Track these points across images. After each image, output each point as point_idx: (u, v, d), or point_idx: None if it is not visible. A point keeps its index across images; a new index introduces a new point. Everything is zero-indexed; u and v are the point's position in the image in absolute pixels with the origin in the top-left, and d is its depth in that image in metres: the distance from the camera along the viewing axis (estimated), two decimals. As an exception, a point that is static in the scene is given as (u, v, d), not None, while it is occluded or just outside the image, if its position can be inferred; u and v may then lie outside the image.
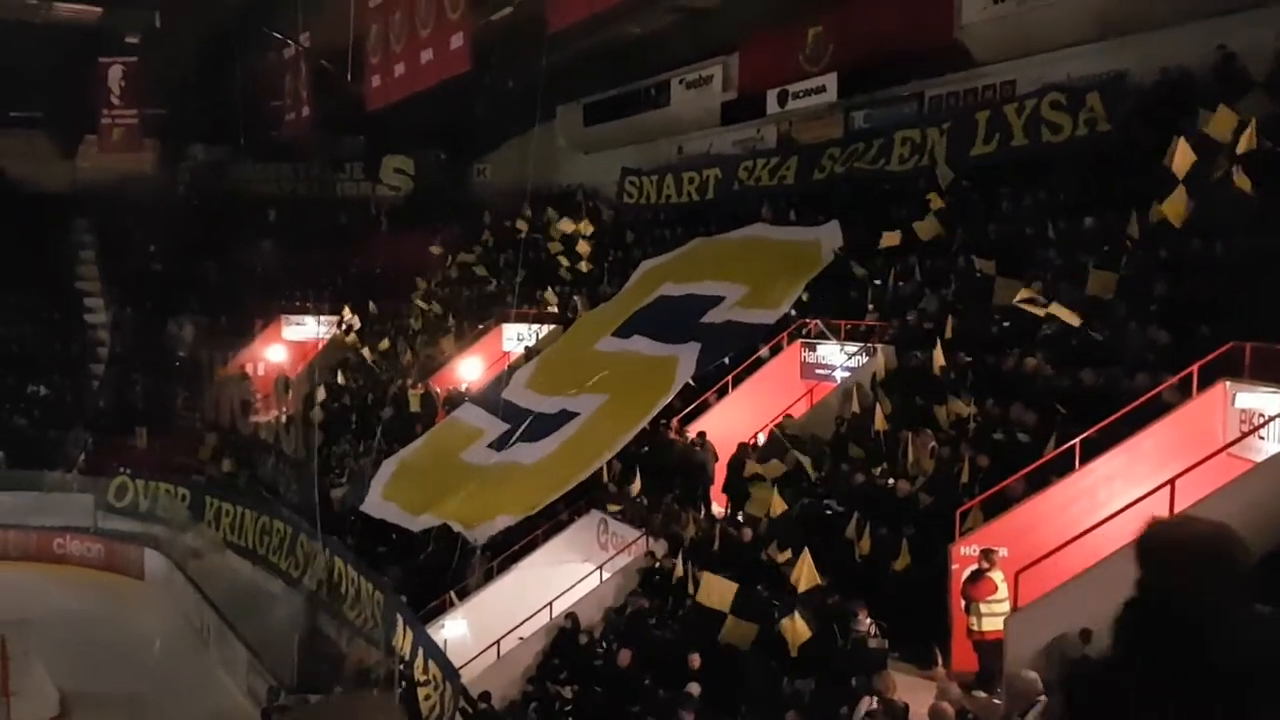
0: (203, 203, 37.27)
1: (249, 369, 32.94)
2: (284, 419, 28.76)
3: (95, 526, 26.59)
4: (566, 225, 28.86)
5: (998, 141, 18.84)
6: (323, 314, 33.64)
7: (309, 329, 33.84)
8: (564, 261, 27.69)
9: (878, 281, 18.49)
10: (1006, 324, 14.89)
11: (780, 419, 17.16)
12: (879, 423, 14.84)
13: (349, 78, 26.62)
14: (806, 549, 12.32)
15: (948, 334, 15.43)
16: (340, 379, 29.35)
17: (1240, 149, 13.22)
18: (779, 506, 14.02)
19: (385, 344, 29.72)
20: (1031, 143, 18.29)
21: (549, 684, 14.45)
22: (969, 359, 14.79)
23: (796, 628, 11.46)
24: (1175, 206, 13.38)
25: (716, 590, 12.68)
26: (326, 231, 35.86)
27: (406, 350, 28.40)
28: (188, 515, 25.56)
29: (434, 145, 36.26)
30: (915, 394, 15.01)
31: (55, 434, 29.65)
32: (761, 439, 17.00)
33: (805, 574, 12.07)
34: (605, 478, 17.38)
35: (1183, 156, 13.60)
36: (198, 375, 32.99)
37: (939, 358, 14.73)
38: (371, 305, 31.96)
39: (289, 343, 33.72)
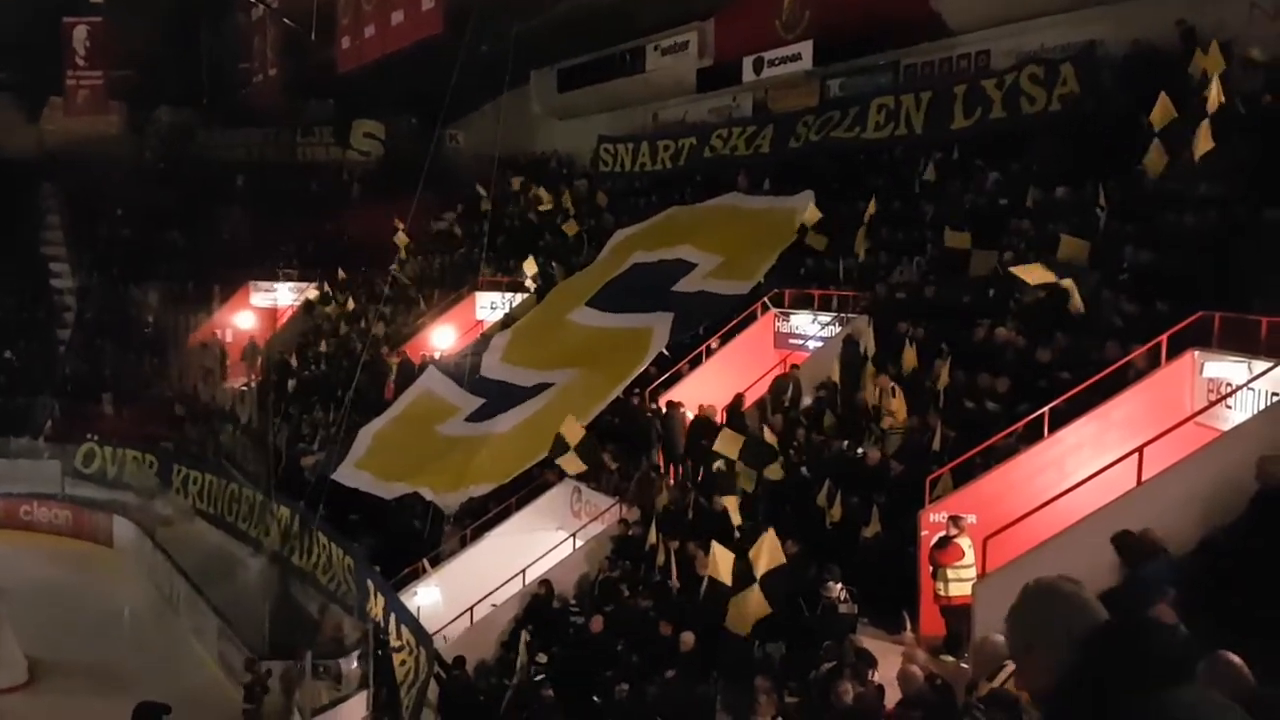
0: (170, 167, 36.72)
1: (218, 335, 32.65)
2: (252, 387, 28.56)
3: (63, 493, 26.33)
4: (543, 196, 28.62)
5: (978, 116, 18.82)
6: (292, 280, 33.39)
7: (279, 296, 33.58)
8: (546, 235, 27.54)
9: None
10: (966, 298, 14.96)
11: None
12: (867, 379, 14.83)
13: (316, 39, 26.26)
14: (770, 529, 12.18)
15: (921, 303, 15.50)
16: (311, 346, 29.15)
17: (1210, 107, 13.30)
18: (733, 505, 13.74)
19: (352, 306, 29.54)
20: (1010, 115, 18.30)
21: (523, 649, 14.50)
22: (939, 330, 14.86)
23: (751, 602, 11.37)
24: (1152, 159, 13.46)
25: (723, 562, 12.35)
26: (296, 197, 35.47)
27: (379, 318, 28.24)
28: (156, 482, 25.37)
29: (406, 110, 35.82)
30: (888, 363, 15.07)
31: (22, 400, 29.29)
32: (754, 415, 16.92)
33: (767, 551, 11.86)
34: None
35: (1162, 111, 13.70)
36: (166, 342, 32.65)
37: (910, 358, 14.64)
38: (342, 272, 31.68)
39: (258, 309, 33.43)
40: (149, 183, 35.35)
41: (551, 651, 14.11)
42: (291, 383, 27.18)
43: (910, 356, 14.39)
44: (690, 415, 16.68)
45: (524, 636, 14.34)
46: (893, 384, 13.86)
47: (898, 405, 13.80)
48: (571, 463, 15.12)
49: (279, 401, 25.52)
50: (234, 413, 27.72)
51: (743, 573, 11.53)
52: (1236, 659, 4.52)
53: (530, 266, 24.42)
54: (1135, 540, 8.86)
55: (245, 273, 33.35)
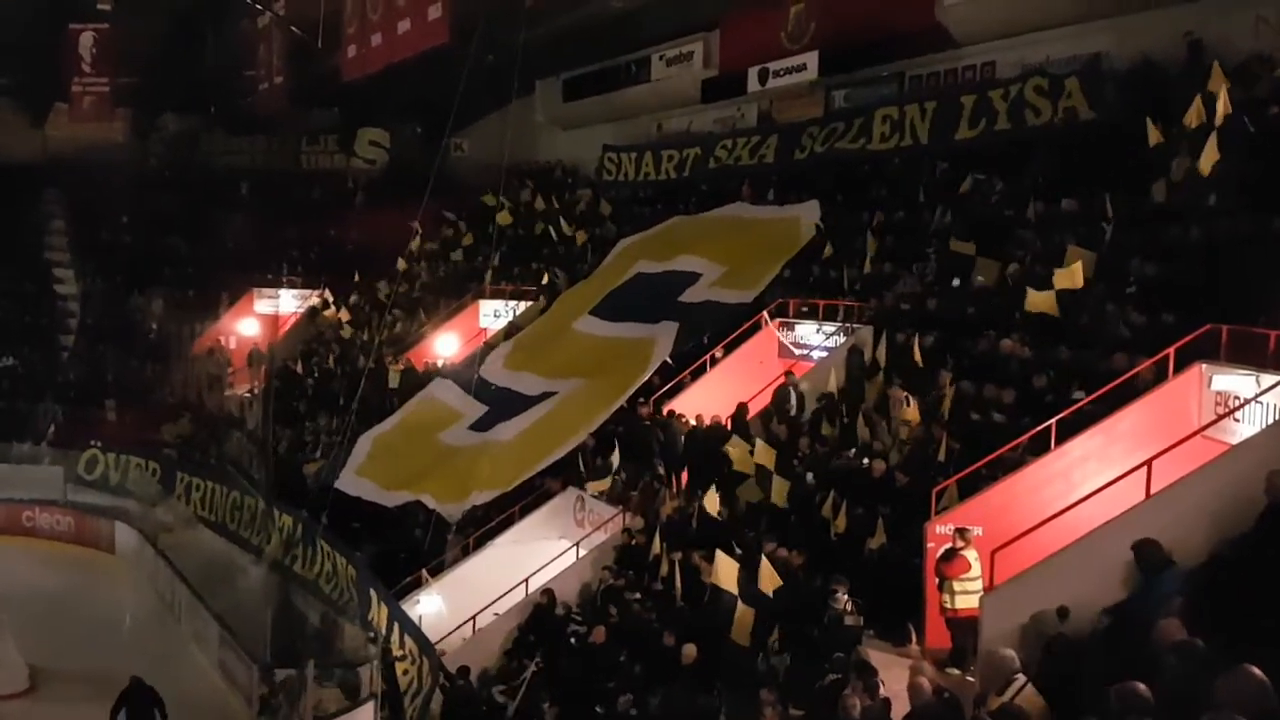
0: (174, 173, 36.77)
1: (221, 342, 32.64)
2: (255, 394, 28.53)
3: (65, 499, 26.27)
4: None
5: (982, 127, 18.76)
6: (296, 288, 33.40)
7: (282, 303, 33.58)
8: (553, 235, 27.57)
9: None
10: (970, 309, 14.94)
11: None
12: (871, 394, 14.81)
13: (322, 47, 26.28)
14: (764, 554, 12.17)
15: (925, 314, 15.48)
16: (315, 353, 29.14)
17: (1217, 120, 13.27)
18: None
19: (351, 316, 29.51)
20: (1014, 127, 18.26)
21: (524, 660, 14.45)
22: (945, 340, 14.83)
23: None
24: (1178, 165, 13.34)
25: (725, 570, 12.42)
26: (300, 205, 35.49)
27: (382, 325, 28.23)
28: (159, 489, 25.32)
29: (411, 119, 35.87)
30: (895, 374, 15.04)
31: (25, 406, 29.24)
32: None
33: (766, 575, 11.91)
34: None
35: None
36: (169, 348, 32.63)
37: (918, 357, 14.61)
38: (358, 277, 31.69)
39: (261, 316, 33.42)
40: (153, 189, 35.37)
41: (552, 659, 14.06)
42: (310, 382, 27.18)
43: (918, 355, 14.37)
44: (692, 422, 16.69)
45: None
46: (905, 394, 13.83)
47: (913, 414, 13.79)
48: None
49: (291, 407, 25.49)
50: (242, 419, 27.65)
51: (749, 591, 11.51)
52: (1260, 674, 4.44)
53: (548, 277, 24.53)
54: (1154, 548, 8.79)
55: (249, 279, 33.35)
